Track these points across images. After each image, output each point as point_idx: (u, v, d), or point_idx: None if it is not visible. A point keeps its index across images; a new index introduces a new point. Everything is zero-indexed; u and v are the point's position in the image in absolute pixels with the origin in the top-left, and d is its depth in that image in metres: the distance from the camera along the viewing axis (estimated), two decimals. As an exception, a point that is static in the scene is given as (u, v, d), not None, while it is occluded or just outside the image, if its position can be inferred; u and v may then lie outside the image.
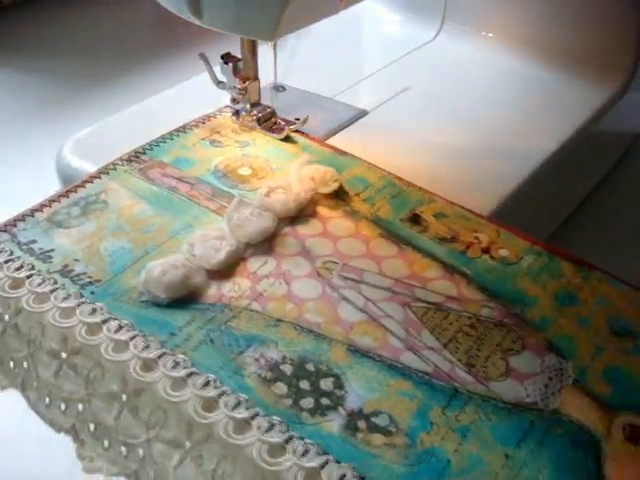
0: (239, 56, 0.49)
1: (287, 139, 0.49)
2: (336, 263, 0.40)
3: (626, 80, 0.63)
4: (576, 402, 0.34)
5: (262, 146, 0.49)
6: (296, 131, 0.50)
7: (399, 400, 0.33)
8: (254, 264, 0.39)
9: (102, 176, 0.44)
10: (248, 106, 0.51)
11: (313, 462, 0.29)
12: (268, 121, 0.51)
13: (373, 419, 0.32)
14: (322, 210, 0.43)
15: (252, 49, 0.49)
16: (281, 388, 0.33)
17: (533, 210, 0.56)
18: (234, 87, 0.50)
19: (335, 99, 0.59)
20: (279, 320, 0.36)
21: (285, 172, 0.46)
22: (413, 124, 0.56)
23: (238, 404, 0.31)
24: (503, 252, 0.42)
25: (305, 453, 0.30)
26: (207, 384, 0.32)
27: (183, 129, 0.49)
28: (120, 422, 0.33)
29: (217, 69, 0.50)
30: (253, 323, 0.36)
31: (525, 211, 0.52)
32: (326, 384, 0.33)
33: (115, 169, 0.45)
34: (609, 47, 0.63)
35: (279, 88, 0.57)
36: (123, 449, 0.33)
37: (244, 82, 0.49)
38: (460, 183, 0.48)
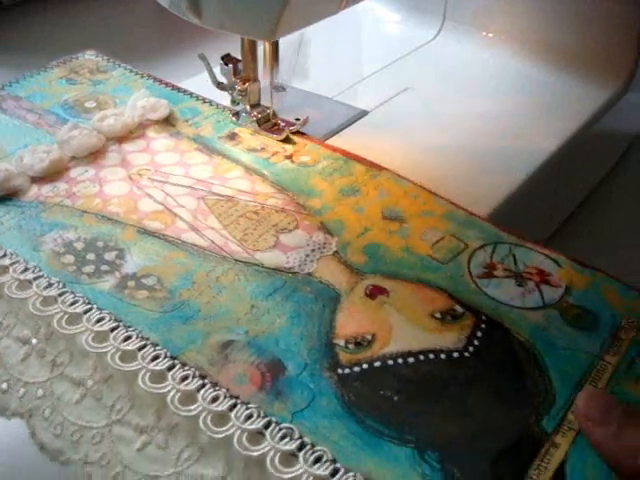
0: (239, 57, 0.49)
1: (287, 140, 0.49)
2: (148, 170, 0.45)
3: (626, 80, 0.63)
4: (330, 268, 0.38)
5: (113, 84, 0.54)
6: (296, 132, 0.50)
7: (171, 266, 0.38)
8: (75, 172, 0.44)
9: (-41, 108, 0.50)
10: (248, 107, 0.50)
11: (77, 309, 0.35)
12: (268, 122, 0.51)
13: (142, 280, 0.37)
14: (150, 133, 0.49)
15: (252, 50, 0.49)
16: (69, 259, 0.38)
17: (533, 210, 0.56)
18: (234, 88, 0.50)
19: (335, 99, 0.58)
20: (84, 212, 0.41)
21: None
22: (413, 124, 0.56)
23: (26, 270, 0.37)
24: (304, 158, 0.47)
25: (73, 303, 0.35)
26: (4, 256, 0.38)
27: (44, 68, 0.55)
28: None
29: (217, 70, 0.50)
30: (61, 214, 0.41)
31: (525, 211, 0.53)
32: (110, 256, 0.38)
33: (-27, 103, 0.51)
34: (609, 47, 0.62)
35: (279, 88, 0.56)
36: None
37: (244, 83, 0.50)
38: (460, 183, 0.48)
